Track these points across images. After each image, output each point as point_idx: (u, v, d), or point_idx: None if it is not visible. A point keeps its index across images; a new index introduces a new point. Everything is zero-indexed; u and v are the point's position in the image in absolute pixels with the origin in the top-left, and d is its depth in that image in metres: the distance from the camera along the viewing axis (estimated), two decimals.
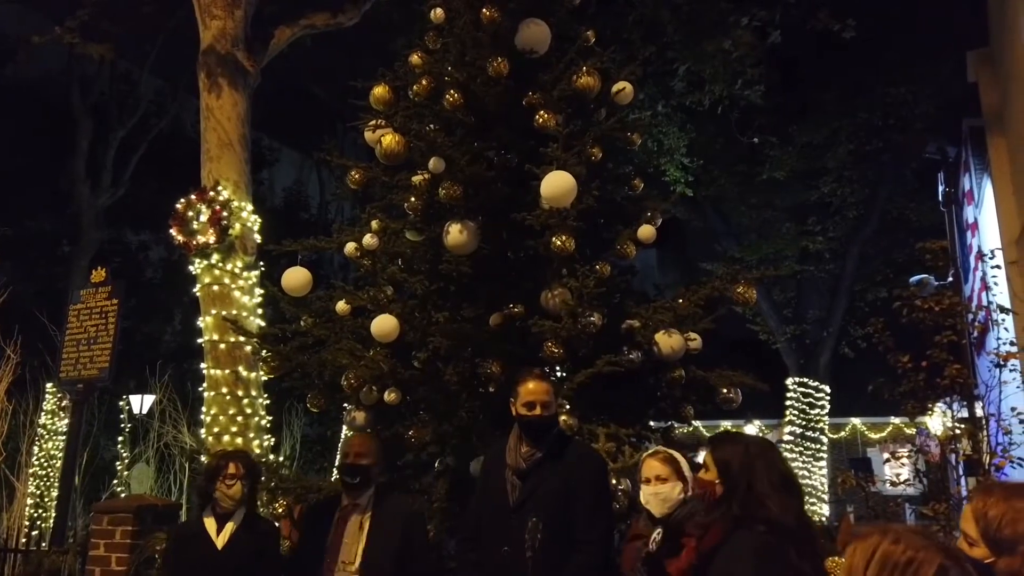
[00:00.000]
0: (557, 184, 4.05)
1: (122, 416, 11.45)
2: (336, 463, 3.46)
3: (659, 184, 13.75)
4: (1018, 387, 4.98)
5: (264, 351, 4.70)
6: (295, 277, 4.80)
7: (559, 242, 4.19)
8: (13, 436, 6.07)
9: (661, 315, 4.35)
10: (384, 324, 4.11)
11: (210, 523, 3.41)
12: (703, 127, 14.37)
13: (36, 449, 7.66)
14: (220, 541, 3.37)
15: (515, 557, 2.79)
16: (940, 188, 9.45)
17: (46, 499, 8.08)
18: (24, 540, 5.26)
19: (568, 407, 4.12)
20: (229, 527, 3.40)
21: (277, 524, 3.77)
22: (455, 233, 4.41)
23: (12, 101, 14.08)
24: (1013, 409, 4.86)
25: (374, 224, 4.76)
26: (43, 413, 8.60)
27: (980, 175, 10.21)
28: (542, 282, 4.45)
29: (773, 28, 9.66)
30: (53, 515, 5.88)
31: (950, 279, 8.59)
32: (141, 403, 11.80)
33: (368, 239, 4.50)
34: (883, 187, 16.98)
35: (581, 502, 2.97)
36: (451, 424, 4.32)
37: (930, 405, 4.83)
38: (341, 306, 4.64)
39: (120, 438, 10.87)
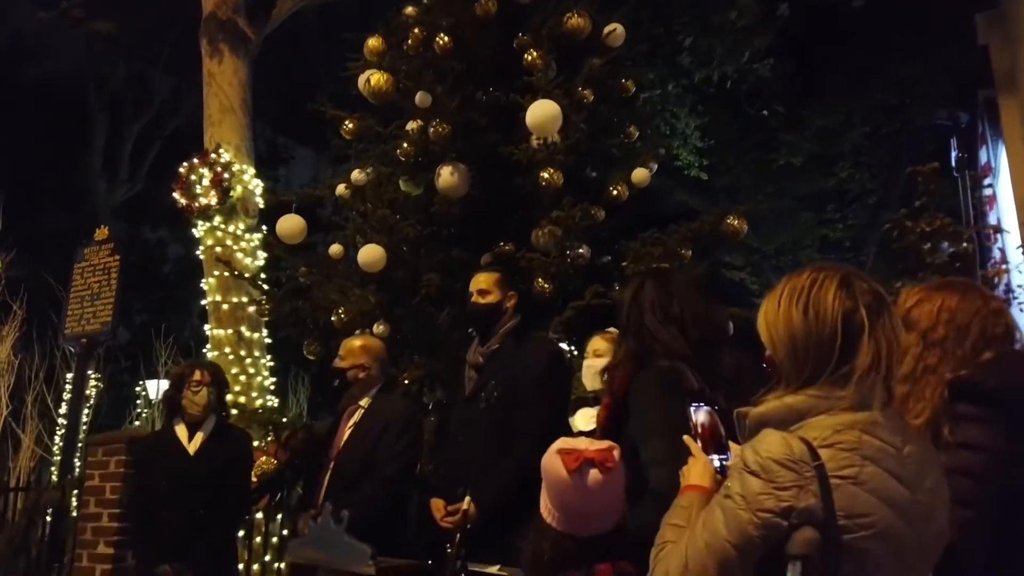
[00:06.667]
0: (542, 112, 4.06)
1: (138, 402, 11.57)
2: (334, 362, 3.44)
3: (671, 169, 13.68)
4: None
5: (258, 294, 4.74)
6: (289, 224, 4.83)
7: (547, 175, 4.19)
8: (19, 390, 6.24)
9: (651, 248, 4.32)
10: (371, 253, 4.14)
11: (181, 431, 3.44)
12: (717, 115, 14.31)
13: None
14: (192, 448, 3.40)
15: (468, 446, 2.76)
16: (952, 154, 9.29)
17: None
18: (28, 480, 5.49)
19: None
20: (200, 436, 3.43)
21: (258, 445, 3.79)
22: (446, 176, 4.43)
23: (29, 98, 14.38)
24: None
25: (364, 170, 4.78)
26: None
27: (996, 145, 10.03)
28: (532, 221, 4.45)
29: (780, 1, 9.60)
30: (58, 457, 6.04)
31: (964, 244, 8.42)
32: (157, 388, 11.88)
33: (356, 174, 4.52)
34: (901, 170, 16.76)
35: (525, 390, 2.90)
36: (442, 362, 4.32)
37: None
38: (335, 249, 4.67)
39: (137, 423, 10.98)
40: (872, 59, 12.80)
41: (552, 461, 1.81)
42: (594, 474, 1.77)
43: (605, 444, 1.83)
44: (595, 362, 2.84)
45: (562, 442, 1.85)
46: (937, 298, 1.70)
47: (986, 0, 8.82)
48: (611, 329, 3.11)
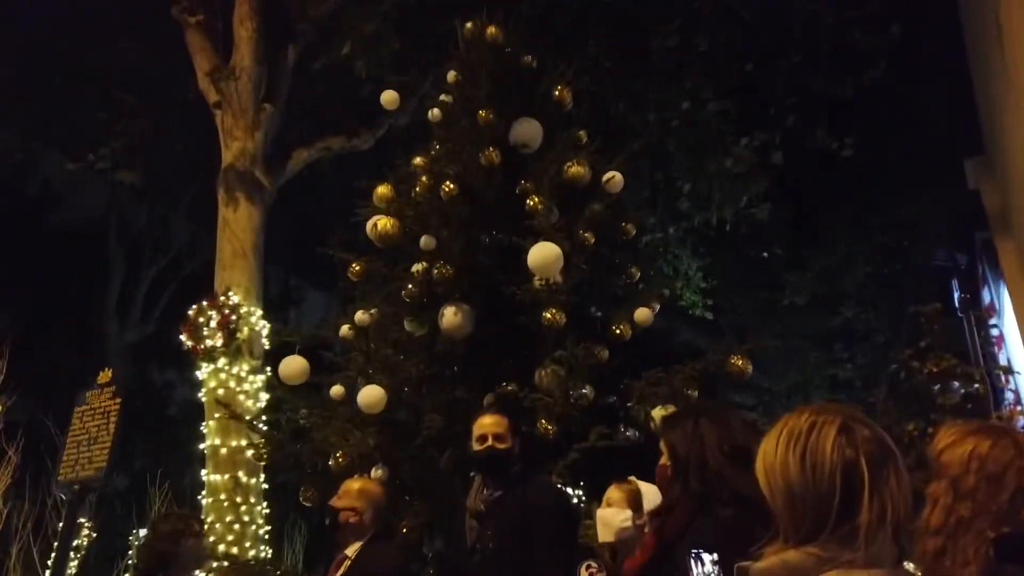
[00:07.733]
0: (543, 254, 4.13)
1: (129, 552, 11.11)
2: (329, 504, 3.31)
3: (676, 308, 13.77)
4: None
5: (257, 436, 4.65)
6: (291, 365, 4.81)
7: (549, 315, 4.21)
8: (4, 542, 5.93)
9: (655, 388, 4.26)
10: (371, 394, 4.09)
11: None
12: (719, 256, 14.58)
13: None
14: None
15: None
16: (955, 295, 9.34)
17: None
18: None
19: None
20: None
21: None
22: (450, 316, 4.46)
23: (50, 244, 14.83)
24: None
25: (368, 311, 4.83)
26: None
27: (997, 285, 10.11)
28: (535, 361, 4.43)
29: (774, 149, 9.99)
30: None
31: (976, 386, 8.30)
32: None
33: (360, 315, 4.56)
34: (906, 310, 16.80)
35: (536, 540, 2.79)
36: (441, 505, 4.17)
37: None
38: (336, 390, 4.62)
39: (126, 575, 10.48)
40: (868, 203, 13.17)
41: None
42: None
43: None
44: (606, 513, 2.72)
45: None
46: (968, 443, 1.63)
47: (973, 145, 9.19)
48: (631, 479, 3.00)
